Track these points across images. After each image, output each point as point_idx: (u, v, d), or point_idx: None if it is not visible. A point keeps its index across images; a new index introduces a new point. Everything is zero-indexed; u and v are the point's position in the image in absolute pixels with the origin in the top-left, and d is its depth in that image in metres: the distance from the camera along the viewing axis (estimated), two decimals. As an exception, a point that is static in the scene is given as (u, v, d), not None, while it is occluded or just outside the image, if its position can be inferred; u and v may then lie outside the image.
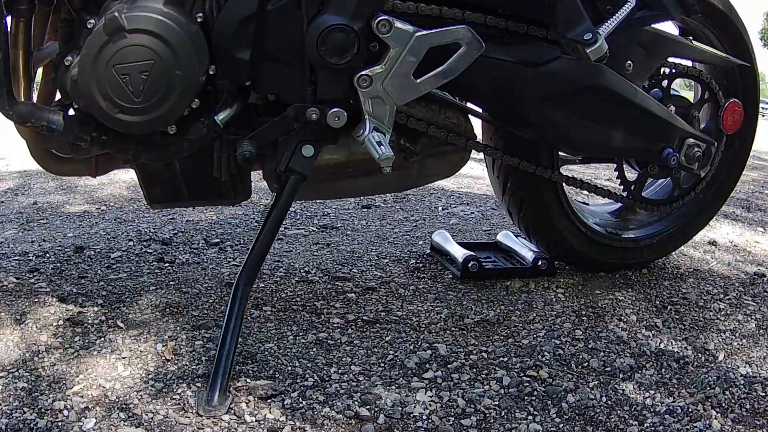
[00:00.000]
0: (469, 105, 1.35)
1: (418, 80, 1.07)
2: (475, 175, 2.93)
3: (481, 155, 1.49)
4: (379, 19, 1.03)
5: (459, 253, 1.59)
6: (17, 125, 1.14)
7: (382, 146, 1.06)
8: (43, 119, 1.07)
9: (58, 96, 1.13)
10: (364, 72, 1.05)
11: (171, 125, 1.08)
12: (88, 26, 1.03)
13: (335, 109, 1.08)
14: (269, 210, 1.15)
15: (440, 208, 2.31)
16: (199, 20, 1.03)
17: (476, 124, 1.40)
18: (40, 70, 1.21)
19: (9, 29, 1.06)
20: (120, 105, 1.02)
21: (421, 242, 1.86)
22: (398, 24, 1.03)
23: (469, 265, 1.54)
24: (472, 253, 1.57)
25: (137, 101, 1.02)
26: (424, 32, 1.04)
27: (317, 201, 2.22)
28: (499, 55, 1.21)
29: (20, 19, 1.07)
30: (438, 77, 1.08)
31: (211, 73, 1.05)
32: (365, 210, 2.25)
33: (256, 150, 1.11)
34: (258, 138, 1.12)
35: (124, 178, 2.58)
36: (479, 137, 1.41)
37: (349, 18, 1.02)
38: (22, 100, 1.09)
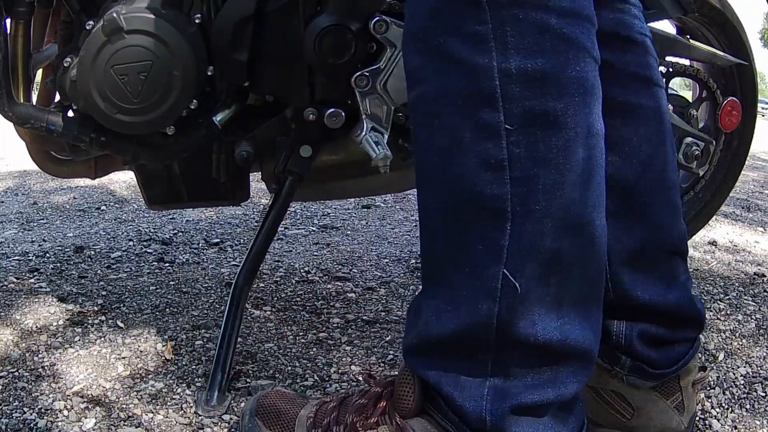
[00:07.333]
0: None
1: None
2: (475, 174, 2.93)
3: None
4: (376, 19, 1.04)
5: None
6: (17, 127, 1.15)
7: (379, 146, 1.06)
8: (42, 120, 1.07)
9: (57, 98, 1.13)
10: (361, 72, 1.05)
11: (170, 126, 1.08)
12: (87, 28, 1.03)
13: (333, 110, 1.08)
14: (268, 210, 1.15)
15: (440, 208, 2.31)
16: (197, 21, 1.04)
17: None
18: (39, 72, 1.21)
19: (8, 31, 1.07)
20: (118, 105, 1.02)
21: (420, 242, 1.86)
22: (395, 24, 1.04)
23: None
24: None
25: (135, 102, 1.02)
26: None
27: (317, 201, 2.22)
28: None
29: (20, 20, 1.07)
30: None
31: (209, 74, 1.06)
32: (365, 210, 2.25)
33: (253, 150, 1.12)
34: (256, 139, 1.12)
35: (124, 178, 2.58)
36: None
37: (346, 18, 1.03)
38: (22, 101, 1.09)
